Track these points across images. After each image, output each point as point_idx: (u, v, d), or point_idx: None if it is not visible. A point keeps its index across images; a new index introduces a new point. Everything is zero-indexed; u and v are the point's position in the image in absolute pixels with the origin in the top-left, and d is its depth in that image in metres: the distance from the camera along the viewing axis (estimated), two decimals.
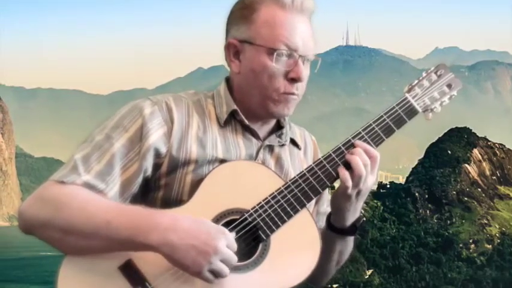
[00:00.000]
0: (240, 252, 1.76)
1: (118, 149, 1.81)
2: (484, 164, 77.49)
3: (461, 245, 67.13)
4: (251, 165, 1.88)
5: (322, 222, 2.05)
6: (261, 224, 1.81)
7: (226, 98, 1.93)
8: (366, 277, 63.50)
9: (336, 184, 1.92)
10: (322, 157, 1.88)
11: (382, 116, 1.91)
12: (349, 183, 1.85)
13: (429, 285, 62.50)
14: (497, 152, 79.88)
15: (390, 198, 72.57)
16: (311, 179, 1.86)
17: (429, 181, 73.25)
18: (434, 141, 79.73)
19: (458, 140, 78.48)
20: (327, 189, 1.95)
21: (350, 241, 2.02)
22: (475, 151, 77.83)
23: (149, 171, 1.84)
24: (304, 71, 1.89)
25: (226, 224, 1.80)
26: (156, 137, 1.82)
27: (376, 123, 1.91)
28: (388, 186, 77.05)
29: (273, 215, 1.82)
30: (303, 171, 1.87)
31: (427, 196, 72.07)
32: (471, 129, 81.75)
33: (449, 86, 1.99)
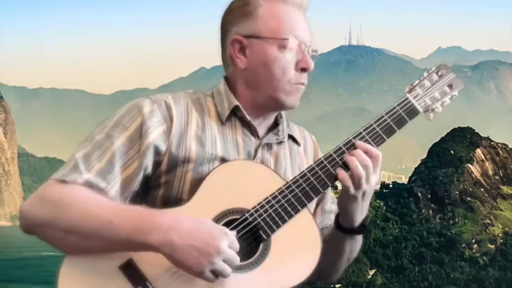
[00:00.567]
0: (241, 252, 1.76)
1: (118, 147, 1.81)
2: (486, 163, 77.42)
3: (464, 245, 67.04)
4: (251, 165, 1.89)
5: (329, 220, 2.07)
6: (262, 223, 1.81)
7: (227, 95, 1.94)
8: (369, 277, 63.46)
9: (338, 184, 1.93)
10: (323, 157, 1.89)
11: (383, 116, 1.92)
12: (349, 183, 1.85)
13: (432, 285, 62.43)
14: (500, 151, 79.81)
15: (393, 198, 72.51)
16: (312, 178, 1.86)
17: (432, 181, 73.14)
18: (437, 141, 79.65)
19: (461, 140, 78.38)
20: (330, 187, 1.95)
21: (359, 239, 2.03)
22: (478, 151, 77.72)
23: (149, 169, 1.84)
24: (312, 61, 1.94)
25: (227, 224, 1.80)
26: (155, 134, 1.83)
27: (377, 124, 1.91)
28: (390, 186, 77.03)
29: (273, 214, 1.82)
30: (303, 171, 1.88)
31: (429, 196, 71.98)
32: (474, 129, 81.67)
33: (450, 86, 1.99)
